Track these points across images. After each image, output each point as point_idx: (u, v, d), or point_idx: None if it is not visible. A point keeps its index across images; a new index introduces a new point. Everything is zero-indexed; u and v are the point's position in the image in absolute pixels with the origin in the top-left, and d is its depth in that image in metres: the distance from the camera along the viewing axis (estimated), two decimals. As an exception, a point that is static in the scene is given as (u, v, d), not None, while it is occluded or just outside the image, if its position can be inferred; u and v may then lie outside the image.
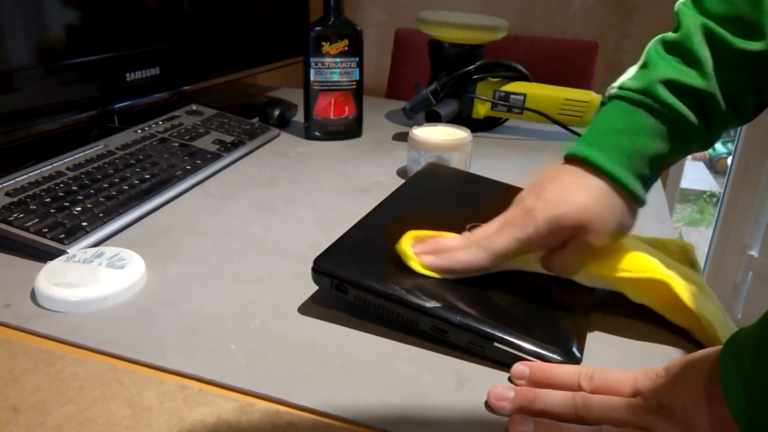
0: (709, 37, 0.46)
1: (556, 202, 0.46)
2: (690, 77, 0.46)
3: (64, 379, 0.41)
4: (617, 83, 0.50)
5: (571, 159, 0.48)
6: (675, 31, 0.49)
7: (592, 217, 0.45)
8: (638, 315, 0.50)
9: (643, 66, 0.49)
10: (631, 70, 0.50)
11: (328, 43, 0.88)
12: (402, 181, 0.78)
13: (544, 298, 0.49)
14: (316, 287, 0.50)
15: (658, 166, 0.48)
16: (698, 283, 0.49)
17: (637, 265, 0.48)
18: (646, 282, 0.47)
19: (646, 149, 0.47)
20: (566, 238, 0.47)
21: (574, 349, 0.44)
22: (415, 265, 0.49)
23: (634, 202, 0.47)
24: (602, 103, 0.52)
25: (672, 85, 0.46)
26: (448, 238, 0.50)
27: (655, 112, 0.47)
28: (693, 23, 0.47)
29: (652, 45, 0.50)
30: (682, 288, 0.46)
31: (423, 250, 0.49)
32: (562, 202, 0.46)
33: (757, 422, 0.31)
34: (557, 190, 0.47)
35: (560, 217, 0.45)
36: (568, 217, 0.45)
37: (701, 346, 0.47)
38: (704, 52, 0.46)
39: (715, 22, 0.46)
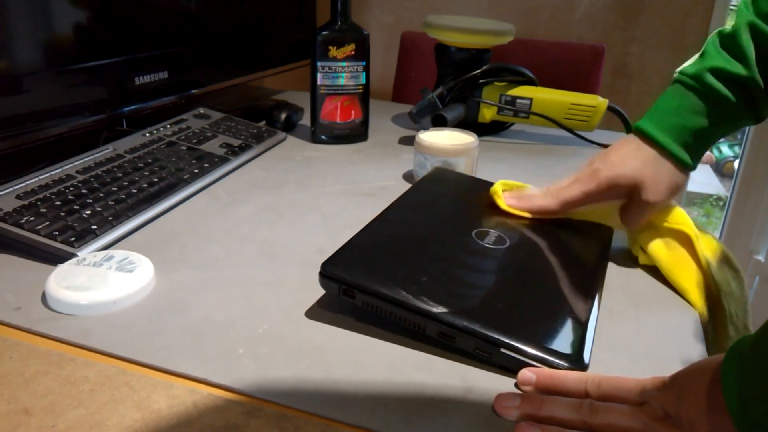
0: (754, 32, 0.55)
1: (616, 165, 0.57)
2: (735, 67, 0.55)
3: (74, 382, 0.41)
4: (680, 68, 0.59)
5: (635, 132, 0.59)
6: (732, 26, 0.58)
7: (645, 178, 0.56)
8: (645, 322, 0.51)
9: (701, 56, 0.58)
10: (693, 58, 0.59)
11: (335, 47, 0.89)
12: (408, 185, 0.79)
13: (551, 305, 0.49)
14: (323, 292, 0.51)
15: (706, 138, 0.57)
16: (733, 267, 0.57)
17: (677, 217, 0.58)
18: (674, 233, 0.58)
19: (693, 125, 0.56)
20: (624, 194, 0.58)
21: (581, 356, 0.44)
22: (501, 202, 0.62)
23: (682, 166, 0.57)
24: (673, 82, 0.60)
25: (718, 72, 0.55)
26: (530, 190, 0.63)
27: (701, 95, 0.56)
28: (743, 20, 0.55)
29: (711, 37, 0.58)
30: (702, 247, 0.56)
31: (509, 195, 0.62)
32: (620, 165, 0.57)
33: (753, 430, 0.31)
34: (619, 156, 0.58)
35: (618, 177, 0.57)
36: (624, 177, 0.56)
37: (707, 351, 0.47)
38: (748, 46, 0.54)
39: (763, 20, 0.54)
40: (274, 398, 0.41)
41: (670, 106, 0.57)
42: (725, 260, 0.58)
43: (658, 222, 0.58)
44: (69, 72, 0.74)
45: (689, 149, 0.57)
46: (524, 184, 0.64)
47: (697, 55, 0.59)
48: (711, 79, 0.55)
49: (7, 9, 0.65)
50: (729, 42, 0.56)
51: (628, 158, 0.57)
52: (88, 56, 0.76)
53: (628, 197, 0.58)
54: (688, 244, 0.57)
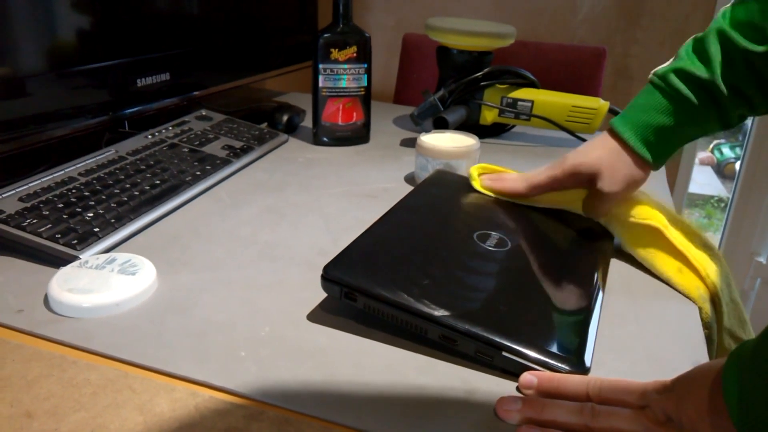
0: (722, 38, 0.56)
1: (581, 153, 0.61)
2: (698, 69, 0.57)
3: (77, 385, 0.41)
4: (656, 70, 0.60)
5: (608, 126, 0.62)
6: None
7: (603, 167, 0.59)
8: (647, 325, 0.51)
9: (674, 58, 0.60)
10: (669, 61, 0.60)
11: (336, 50, 0.89)
12: (409, 187, 0.79)
13: (553, 308, 0.49)
14: (324, 294, 0.51)
15: (669, 138, 0.59)
16: (711, 248, 0.60)
17: (643, 213, 0.60)
18: (645, 228, 0.59)
19: (657, 122, 0.58)
20: (586, 182, 0.61)
21: (582, 359, 0.44)
22: (476, 184, 0.67)
23: (642, 162, 0.60)
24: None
25: (682, 74, 0.58)
26: (508, 173, 0.67)
27: (666, 94, 0.58)
28: (714, 27, 0.57)
29: (687, 42, 0.60)
30: (675, 235, 0.58)
31: (488, 176, 0.67)
32: (584, 154, 0.61)
33: None
34: (587, 146, 0.62)
35: (580, 165, 0.60)
36: (584, 164, 0.60)
37: (706, 355, 0.47)
38: (714, 51, 0.56)
39: (734, 27, 0.56)
40: (275, 401, 0.41)
41: (638, 104, 0.60)
42: (701, 241, 0.60)
43: (624, 217, 0.61)
44: (71, 74, 0.74)
45: (650, 146, 0.59)
46: (504, 168, 0.68)
47: (672, 58, 0.61)
48: (674, 80, 0.58)
49: (9, 12, 0.65)
50: (698, 46, 0.58)
51: (593, 148, 0.61)
52: (91, 58, 0.76)
53: (590, 186, 0.61)
54: (661, 236, 0.59)
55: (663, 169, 0.76)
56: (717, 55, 0.56)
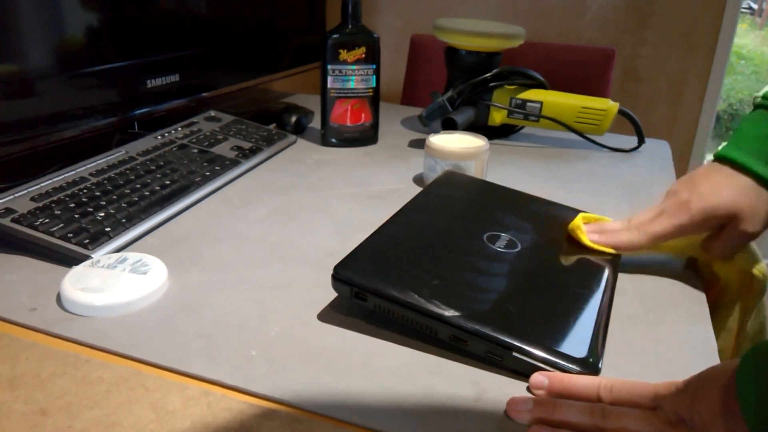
0: None
1: (709, 196, 0.54)
2: None
3: (90, 383, 0.41)
4: (761, 93, 0.57)
5: (721, 160, 0.56)
6: None
7: (744, 208, 0.54)
8: (657, 327, 0.50)
9: None
10: None
11: (345, 51, 0.89)
12: (418, 188, 0.79)
13: (563, 309, 0.49)
14: (334, 295, 0.51)
15: None
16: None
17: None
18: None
19: None
20: (717, 226, 0.55)
21: (593, 360, 0.44)
22: (584, 238, 0.58)
23: None
24: (755, 107, 0.59)
25: None
26: (612, 222, 0.59)
27: None
28: None
29: None
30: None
31: (590, 229, 0.59)
32: (715, 196, 0.54)
33: None
34: (710, 186, 0.55)
35: (713, 209, 0.54)
36: (720, 208, 0.54)
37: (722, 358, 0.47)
38: None
39: None
40: (286, 400, 0.41)
41: (760, 133, 0.55)
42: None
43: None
44: (81, 75, 0.74)
45: None
46: (602, 216, 0.62)
47: None
48: None
49: (20, 13, 0.65)
50: None
51: (722, 188, 0.55)
52: (101, 60, 0.77)
53: (720, 228, 0.56)
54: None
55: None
56: None
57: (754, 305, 0.58)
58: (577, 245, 0.59)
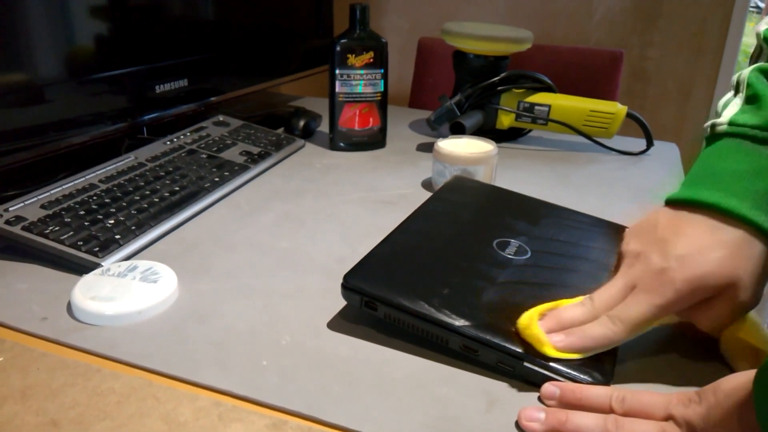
0: None
1: (693, 261, 0.42)
2: None
3: (101, 394, 0.41)
4: (724, 119, 0.47)
5: (692, 206, 0.45)
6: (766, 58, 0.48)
7: (740, 274, 0.42)
8: (670, 337, 0.50)
9: (752, 100, 0.45)
10: (735, 104, 0.46)
11: (353, 55, 0.89)
12: (427, 193, 0.79)
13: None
14: (344, 303, 0.51)
15: None
16: None
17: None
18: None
19: None
20: (708, 297, 0.43)
21: (605, 371, 0.44)
22: (550, 351, 0.44)
23: None
24: (716, 135, 0.48)
25: None
26: (570, 309, 0.46)
27: None
28: None
29: (754, 76, 0.46)
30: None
31: (548, 328, 0.45)
32: (701, 259, 0.42)
33: None
34: (689, 246, 0.43)
35: (703, 278, 0.42)
36: (711, 276, 0.42)
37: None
38: None
39: None
40: (297, 410, 0.41)
41: (740, 169, 0.44)
42: None
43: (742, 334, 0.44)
44: (90, 81, 0.75)
45: None
46: (553, 303, 0.47)
47: (738, 100, 0.47)
48: None
49: (29, 20, 0.66)
50: None
51: (707, 248, 0.42)
52: (109, 66, 0.77)
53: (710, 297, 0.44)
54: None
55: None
56: None
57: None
58: (587, 253, 0.58)
